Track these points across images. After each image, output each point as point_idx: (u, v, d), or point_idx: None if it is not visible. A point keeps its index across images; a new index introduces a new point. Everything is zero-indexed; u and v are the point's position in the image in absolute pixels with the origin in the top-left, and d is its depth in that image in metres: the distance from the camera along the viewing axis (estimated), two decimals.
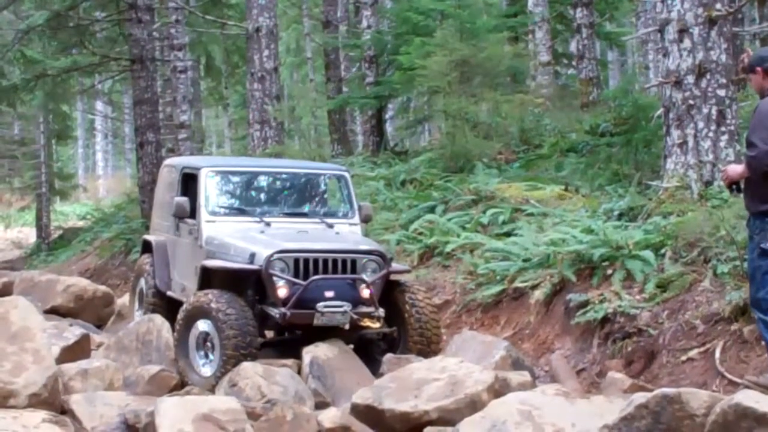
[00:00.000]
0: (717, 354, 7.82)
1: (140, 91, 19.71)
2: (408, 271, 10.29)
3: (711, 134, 10.38)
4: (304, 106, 22.10)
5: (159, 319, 9.72)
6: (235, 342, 8.65)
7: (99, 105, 38.12)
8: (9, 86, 22.53)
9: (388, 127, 23.75)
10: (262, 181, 10.71)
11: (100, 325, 12.37)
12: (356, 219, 10.41)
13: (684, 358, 8.11)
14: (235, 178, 10.54)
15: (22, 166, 30.16)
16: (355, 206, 10.48)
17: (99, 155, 48.55)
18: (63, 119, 30.84)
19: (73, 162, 46.37)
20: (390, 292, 9.50)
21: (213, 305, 8.83)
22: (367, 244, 9.71)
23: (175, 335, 9.21)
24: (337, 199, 10.81)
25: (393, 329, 9.45)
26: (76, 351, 9.27)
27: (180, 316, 9.17)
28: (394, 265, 9.69)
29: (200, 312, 8.96)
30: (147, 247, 11.26)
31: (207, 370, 8.93)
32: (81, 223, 28.67)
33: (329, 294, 9.08)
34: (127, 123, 34.32)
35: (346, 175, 10.78)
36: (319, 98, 23.49)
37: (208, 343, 8.95)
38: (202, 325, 8.97)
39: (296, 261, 9.13)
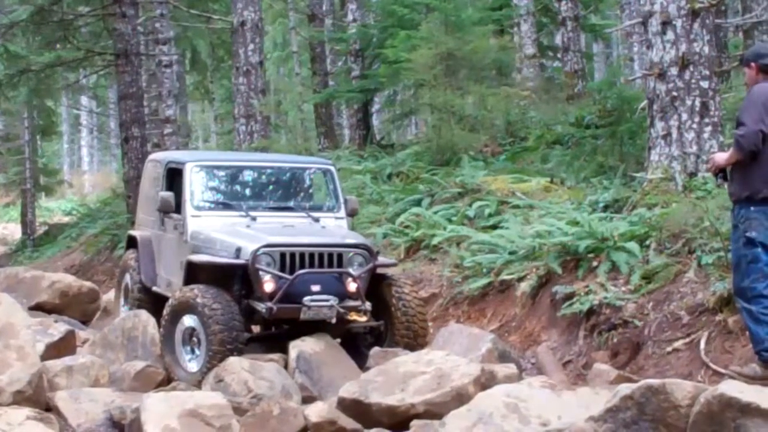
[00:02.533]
0: (702, 345, 7.85)
1: (125, 85, 19.63)
2: (394, 265, 10.28)
3: (695, 126, 10.40)
4: (290, 100, 22.09)
5: (145, 315, 9.69)
6: (221, 337, 8.63)
7: (84, 100, 37.98)
8: None
9: (375, 121, 23.75)
10: (248, 175, 10.67)
11: (85, 322, 12.33)
12: (342, 213, 10.40)
13: (669, 349, 8.13)
14: (221, 173, 10.50)
15: (6, 162, 30.04)
16: (341, 200, 10.45)
17: (84, 150, 48.36)
18: (48, 115, 30.74)
19: (58, 157, 46.23)
20: (377, 286, 9.49)
21: (199, 300, 8.81)
22: (353, 238, 9.70)
23: (161, 331, 9.19)
24: (323, 193, 10.79)
25: (380, 323, 9.45)
26: (62, 347, 9.23)
27: (166, 311, 9.15)
28: (381, 259, 9.68)
29: (186, 307, 8.94)
30: (132, 243, 11.22)
31: (193, 366, 8.91)
32: (66, 219, 28.62)
33: (316, 288, 9.07)
34: (112, 118, 34.26)
35: (332, 168, 10.76)
36: (305, 92, 23.45)
37: (194, 339, 8.93)
38: (188, 321, 8.95)
39: (282, 255, 9.11)
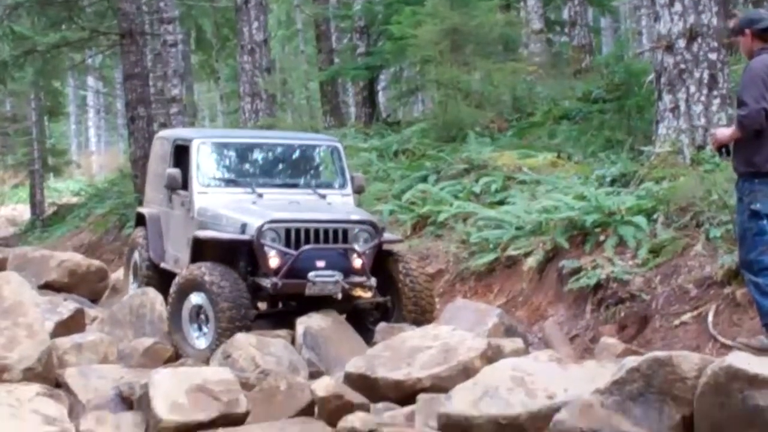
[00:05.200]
0: (710, 318, 7.84)
1: (130, 65, 19.59)
2: (400, 241, 10.28)
3: (703, 98, 10.37)
4: (296, 79, 22.01)
5: (152, 292, 9.72)
6: (229, 314, 8.66)
7: (90, 80, 37.93)
8: None
9: (381, 98, 23.70)
10: (255, 152, 10.68)
11: (94, 300, 12.37)
12: (349, 190, 10.40)
13: (677, 322, 8.12)
14: (227, 150, 10.51)
15: (14, 144, 30.05)
16: (348, 177, 10.46)
17: (91, 131, 48.34)
18: (54, 95, 30.74)
19: (65, 138, 46.23)
20: (383, 262, 9.49)
21: (206, 278, 8.83)
22: (358, 214, 9.71)
23: (168, 308, 9.22)
24: (330, 171, 10.78)
25: (386, 299, 9.45)
26: (71, 325, 9.28)
27: (173, 289, 9.17)
28: (387, 235, 9.68)
29: (193, 285, 8.96)
30: (141, 220, 11.26)
31: (201, 342, 8.94)
32: (75, 199, 28.61)
33: (321, 264, 9.08)
34: (118, 98, 34.15)
35: (339, 146, 10.76)
36: (311, 70, 23.40)
37: (202, 316, 8.96)
38: (196, 298, 8.97)
39: (287, 231, 9.12)
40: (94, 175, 37.06)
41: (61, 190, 34.15)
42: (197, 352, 8.86)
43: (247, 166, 10.57)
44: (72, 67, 28.68)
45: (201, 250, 9.49)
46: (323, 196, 10.18)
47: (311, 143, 10.96)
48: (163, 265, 10.56)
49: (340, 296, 9.18)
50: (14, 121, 30.51)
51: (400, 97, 21.80)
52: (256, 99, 18.42)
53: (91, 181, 31.72)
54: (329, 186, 10.43)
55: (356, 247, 9.23)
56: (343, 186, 10.43)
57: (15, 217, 30.89)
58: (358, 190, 10.55)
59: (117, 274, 13.08)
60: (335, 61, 22.83)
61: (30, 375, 7.19)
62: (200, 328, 9.00)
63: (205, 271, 8.92)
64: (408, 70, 20.88)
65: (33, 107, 29.14)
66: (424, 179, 13.30)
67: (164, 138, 11.30)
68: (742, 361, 5.62)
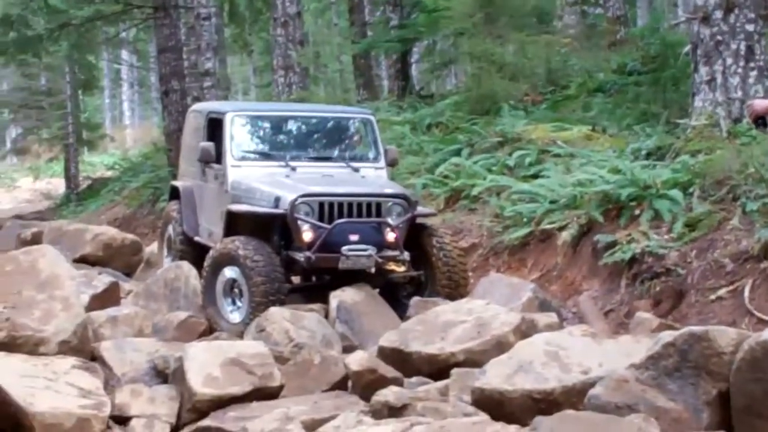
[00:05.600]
0: (746, 293, 7.78)
1: (164, 39, 19.64)
2: (434, 215, 10.26)
3: (740, 70, 10.27)
4: (329, 52, 21.99)
5: (186, 266, 9.76)
6: (263, 288, 8.68)
7: (124, 54, 38.05)
8: (34, 36, 22.48)
9: (414, 71, 23.60)
10: (288, 125, 10.70)
11: (128, 273, 12.45)
12: (382, 163, 10.38)
13: (713, 297, 8.06)
14: (261, 123, 10.52)
15: (49, 117, 30.15)
16: (381, 150, 10.43)
17: (125, 105, 48.55)
18: (89, 69, 30.81)
19: (99, 112, 46.35)
20: (416, 236, 9.47)
21: (240, 252, 8.85)
22: (391, 188, 9.69)
23: (202, 282, 9.25)
24: (363, 143, 10.77)
25: (420, 273, 9.44)
26: (105, 299, 9.32)
27: (207, 263, 9.20)
28: (420, 209, 9.67)
29: (227, 258, 8.99)
30: (175, 194, 11.29)
31: (236, 317, 8.97)
32: (109, 173, 28.75)
33: (354, 238, 9.08)
34: (152, 72, 34.25)
35: (372, 118, 10.73)
36: (344, 43, 23.35)
37: (236, 290, 8.99)
38: (230, 272, 9.00)
39: (321, 205, 9.12)
40: (128, 149, 37.18)
41: (96, 164, 34.33)
42: (231, 326, 8.89)
43: (280, 139, 10.58)
44: (106, 41, 28.78)
45: (235, 223, 9.51)
46: (356, 170, 10.16)
47: (344, 116, 10.96)
48: (197, 238, 10.60)
49: (373, 270, 9.18)
50: (49, 95, 30.61)
51: (433, 70, 21.71)
52: (289, 72, 18.40)
53: (125, 155, 31.83)
54: (362, 159, 10.41)
55: (389, 220, 9.22)
56: (376, 159, 10.40)
57: (50, 191, 31.05)
58: (392, 163, 10.53)
59: (151, 248, 13.14)
60: (368, 34, 22.73)
61: (66, 348, 7.22)
62: (234, 302, 9.03)
63: (239, 245, 8.94)
64: (441, 43, 20.75)
65: (67, 81, 29.24)
66: (458, 153, 13.24)
67: (198, 111, 11.32)
68: None
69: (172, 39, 19.49)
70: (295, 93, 18.05)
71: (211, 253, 9.27)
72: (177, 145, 18.70)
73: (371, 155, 10.45)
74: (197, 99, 17.87)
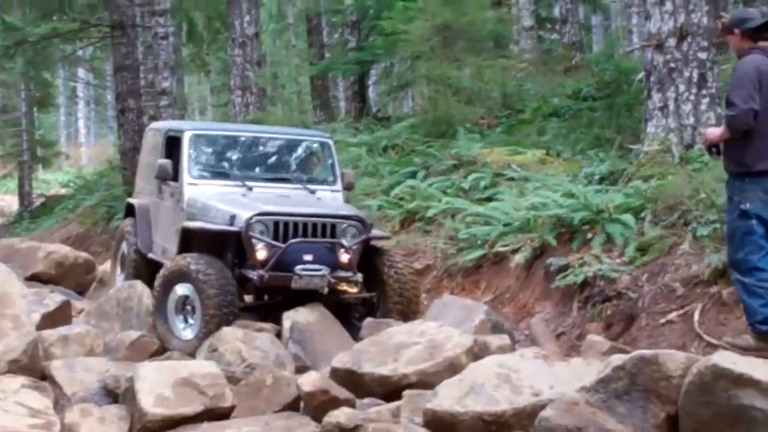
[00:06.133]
0: (696, 316, 7.84)
1: (121, 57, 19.56)
2: (387, 238, 10.30)
3: (692, 97, 10.39)
4: (287, 73, 21.99)
5: (140, 286, 9.72)
6: (216, 301, 8.67)
7: (81, 72, 37.82)
8: None
9: (371, 93, 23.69)
10: (246, 145, 10.70)
11: (81, 292, 12.36)
12: (338, 186, 10.43)
13: (663, 320, 8.12)
14: (219, 142, 10.53)
15: (3, 134, 29.94)
16: (338, 173, 10.50)
17: (81, 122, 48.19)
18: (44, 86, 30.62)
19: (55, 129, 46.04)
20: (369, 259, 9.50)
21: (192, 267, 8.84)
22: (347, 210, 9.73)
23: (153, 300, 9.20)
24: (321, 166, 10.80)
25: (372, 294, 9.47)
26: (57, 317, 9.25)
27: (158, 281, 9.16)
28: (374, 232, 9.70)
29: (179, 275, 8.96)
30: (130, 211, 11.27)
31: (188, 333, 8.94)
32: (63, 191, 28.56)
33: (308, 257, 9.09)
34: (109, 90, 34.03)
35: (330, 142, 10.79)
36: (302, 64, 23.37)
37: (188, 307, 8.97)
38: (181, 289, 8.97)
39: (276, 224, 9.14)
40: (83, 166, 36.96)
41: (50, 182, 34.09)
42: (184, 343, 8.85)
43: (238, 158, 10.59)
44: (63, 59, 28.58)
45: (189, 241, 9.51)
46: (313, 191, 10.21)
47: (302, 138, 10.99)
48: (150, 255, 10.57)
49: (326, 290, 9.19)
50: (4, 111, 30.41)
51: (390, 92, 21.79)
52: (246, 92, 18.42)
53: (79, 173, 31.62)
54: (319, 182, 10.46)
55: (344, 242, 9.24)
56: (333, 182, 10.45)
57: (3, 208, 30.79)
58: (348, 187, 10.58)
59: (104, 267, 13.06)
60: (326, 55, 22.83)
61: (15, 367, 7.17)
62: (186, 320, 8.99)
63: (191, 260, 8.93)
64: (399, 66, 20.86)
65: (23, 98, 29.05)
66: (413, 175, 13.30)
67: (156, 129, 11.34)
68: (728, 360, 5.63)
69: (129, 57, 19.41)
70: (252, 113, 18.06)
71: (162, 271, 9.23)
72: (132, 164, 18.60)
73: (328, 178, 10.50)
74: (153, 118, 17.79)
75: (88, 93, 44.40)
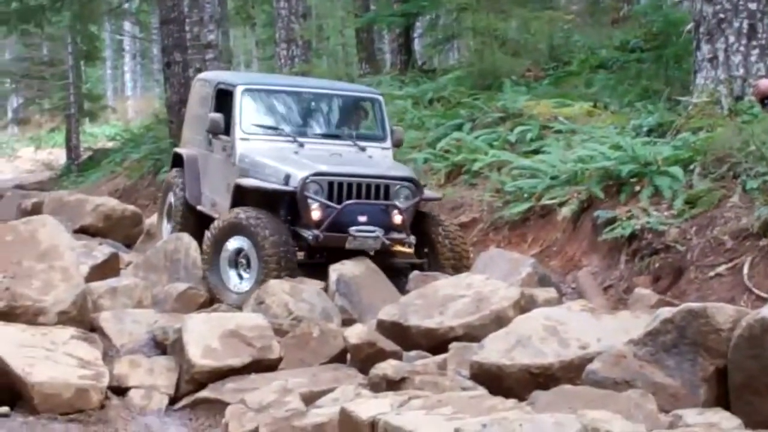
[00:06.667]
0: (745, 270, 7.78)
1: (167, 10, 19.57)
2: (439, 199, 10.30)
3: (742, 48, 10.24)
4: (332, 25, 21.88)
5: (187, 238, 9.76)
6: (275, 254, 8.73)
7: (127, 25, 37.87)
8: (36, 6, 22.43)
9: (416, 46, 23.53)
10: (297, 100, 10.66)
11: (128, 244, 12.44)
12: (388, 143, 10.42)
13: (712, 273, 8.07)
14: (270, 97, 10.49)
15: (50, 88, 30.07)
16: (388, 130, 10.48)
17: (127, 76, 48.29)
18: (91, 40, 30.66)
19: (101, 83, 46.18)
20: (418, 222, 9.52)
21: (250, 221, 8.88)
22: (400, 170, 9.75)
23: (206, 251, 9.24)
24: (371, 122, 10.78)
25: (423, 261, 9.48)
26: (105, 270, 9.33)
27: (213, 232, 9.21)
28: (427, 192, 9.71)
29: (237, 228, 9.01)
30: (177, 162, 11.26)
31: (243, 287, 8.99)
32: (110, 144, 28.70)
33: (362, 219, 9.13)
34: (155, 43, 34.11)
35: (380, 99, 10.78)
36: (347, 17, 23.23)
37: (242, 260, 9.01)
38: (236, 242, 9.04)
39: (330, 184, 9.15)
40: (130, 120, 37.09)
41: (97, 135, 34.25)
42: (237, 296, 8.92)
43: (289, 114, 10.56)
44: (109, 12, 28.63)
45: (242, 197, 9.52)
46: (363, 149, 10.17)
47: (353, 94, 10.97)
48: (199, 207, 10.60)
49: (373, 253, 9.19)
50: (51, 65, 30.51)
51: (435, 44, 21.64)
52: (291, 45, 18.35)
53: (126, 126, 31.74)
54: (369, 138, 10.43)
55: (398, 203, 9.25)
56: (383, 139, 10.43)
57: (51, 162, 30.99)
58: (397, 144, 10.61)
59: (151, 219, 13.13)
60: (371, 7, 22.66)
61: (65, 318, 7.24)
62: (239, 273, 9.05)
63: (248, 214, 8.96)
64: (444, 18, 20.66)
65: (69, 51, 29.13)
66: (459, 128, 13.23)
67: (206, 80, 11.30)
68: None
69: (175, 11, 19.41)
70: (298, 66, 17.99)
71: (217, 222, 9.28)
72: (179, 117, 18.62)
73: (378, 135, 10.48)
74: (199, 70, 17.76)
75: (134, 46, 44.46)
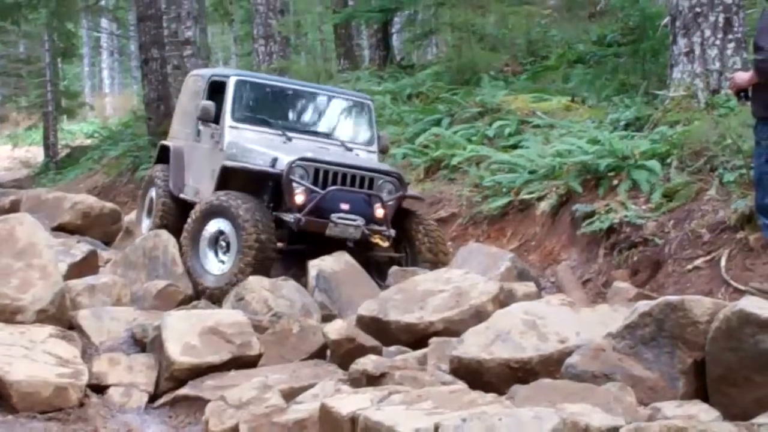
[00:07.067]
0: (722, 262, 7.82)
1: (144, 7, 19.54)
2: (421, 199, 10.34)
3: (718, 42, 10.28)
4: (310, 21, 21.87)
5: (165, 235, 9.74)
6: (254, 237, 8.74)
7: (104, 22, 37.75)
8: (12, 3, 22.34)
9: (395, 41, 23.54)
10: (288, 97, 10.72)
11: (107, 242, 12.39)
12: (375, 147, 10.59)
13: (690, 266, 8.10)
14: (262, 90, 10.56)
15: (27, 85, 29.96)
16: (375, 135, 10.62)
17: (105, 73, 48.14)
18: (68, 37, 30.55)
19: (79, 80, 46.02)
20: (400, 219, 9.56)
21: (231, 202, 8.90)
22: (385, 166, 9.90)
23: (185, 235, 9.26)
24: (359, 126, 10.82)
25: (401, 255, 9.55)
26: (84, 267, 9.29)
27: (194, 214, 9.25)
28: (410, 191, 9.77)
29: (218, 210, 9.05)
30: (162, 156, 11.34)
31: (220, 269, 8.99)
32: (88, 142, 28.60)
33: (345, 206, 9.20)
34: (132, 40, 34.03)
35: (370, 104, 10.95)
36: (325, 12, 23.24)
37: (222, 242, 9.03)
38: (217, 224, 9.06)
39: (316, 171, 9.22)
40: (108, 117, 36.94)
41: (75, 132, 34.10)
42: (214, 278, 8.95)
43: (279, 109, 10.62)
44: (86, 9, 28.53)
45: (226, 180, 9.58)
46: (350, 149, 10.28)
47: (345, 97, 11.06)
48: (182, 195, 10.68)
49: (357, 238, 9.22)
50: (27, 62, 30.41)
51: (414, 40, 21.67)
52: (269, 41, 18.33)
53: (104, 124, 31.65)
54: (356, 141, 10.55)
55: (382, 196, 9.29)
56: (370, 143, 10.61)
57: (28, 159, 30.84)
58: (383, 150, 10.74)
59: (130, 216, 13.11)
60: (349, 3, 22.65)
61: (43, 317, 7.19)
62: (217, 255, 9.07)
63: (230, 197, 9.00)
64: (422, 13, 20.69)
65: (46, 49, 29.01)
66: (438, 123, 13.26)
67: (199, 75, 11.45)
68: (755, 305, 5.58)
69: (152, 7, 19.38)
70: (276, 62, 17.98)
71: (200, 205, 9.32)
72: (157, 114, 18.63)
73: (365, 139, 10.64)
74: (177, 67, 17.80)
75: (111, 43, 44.35)
